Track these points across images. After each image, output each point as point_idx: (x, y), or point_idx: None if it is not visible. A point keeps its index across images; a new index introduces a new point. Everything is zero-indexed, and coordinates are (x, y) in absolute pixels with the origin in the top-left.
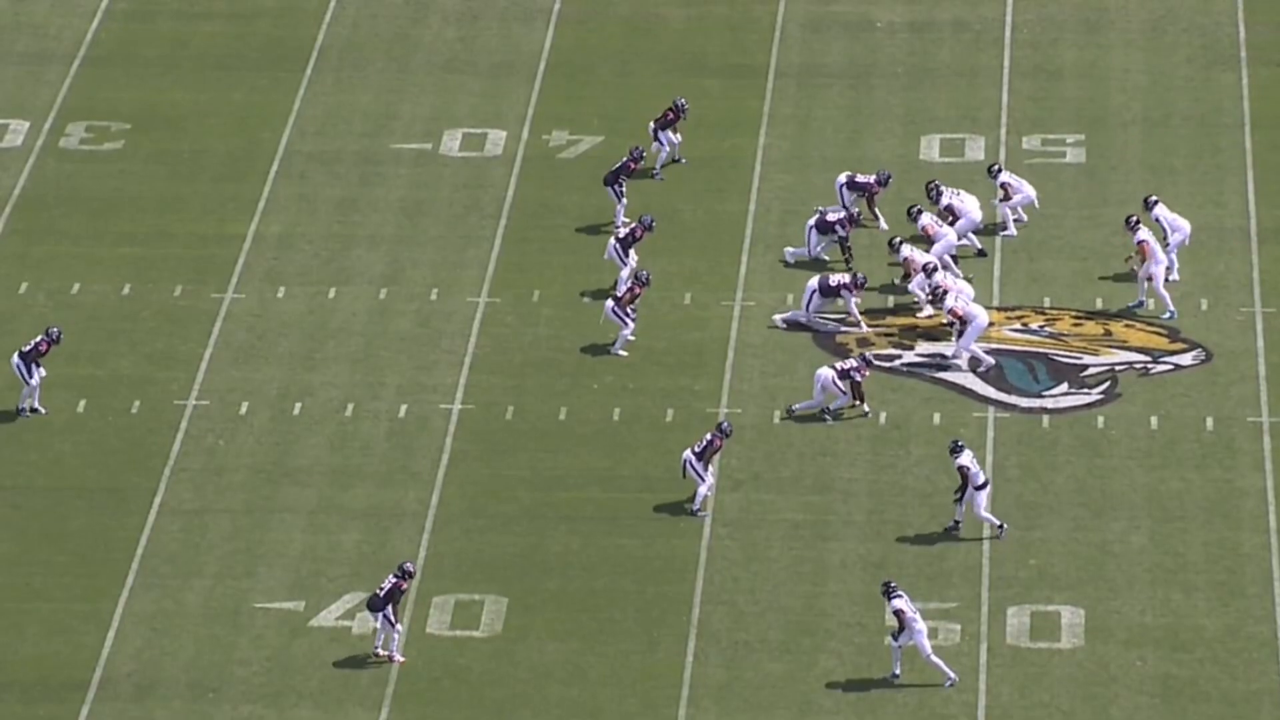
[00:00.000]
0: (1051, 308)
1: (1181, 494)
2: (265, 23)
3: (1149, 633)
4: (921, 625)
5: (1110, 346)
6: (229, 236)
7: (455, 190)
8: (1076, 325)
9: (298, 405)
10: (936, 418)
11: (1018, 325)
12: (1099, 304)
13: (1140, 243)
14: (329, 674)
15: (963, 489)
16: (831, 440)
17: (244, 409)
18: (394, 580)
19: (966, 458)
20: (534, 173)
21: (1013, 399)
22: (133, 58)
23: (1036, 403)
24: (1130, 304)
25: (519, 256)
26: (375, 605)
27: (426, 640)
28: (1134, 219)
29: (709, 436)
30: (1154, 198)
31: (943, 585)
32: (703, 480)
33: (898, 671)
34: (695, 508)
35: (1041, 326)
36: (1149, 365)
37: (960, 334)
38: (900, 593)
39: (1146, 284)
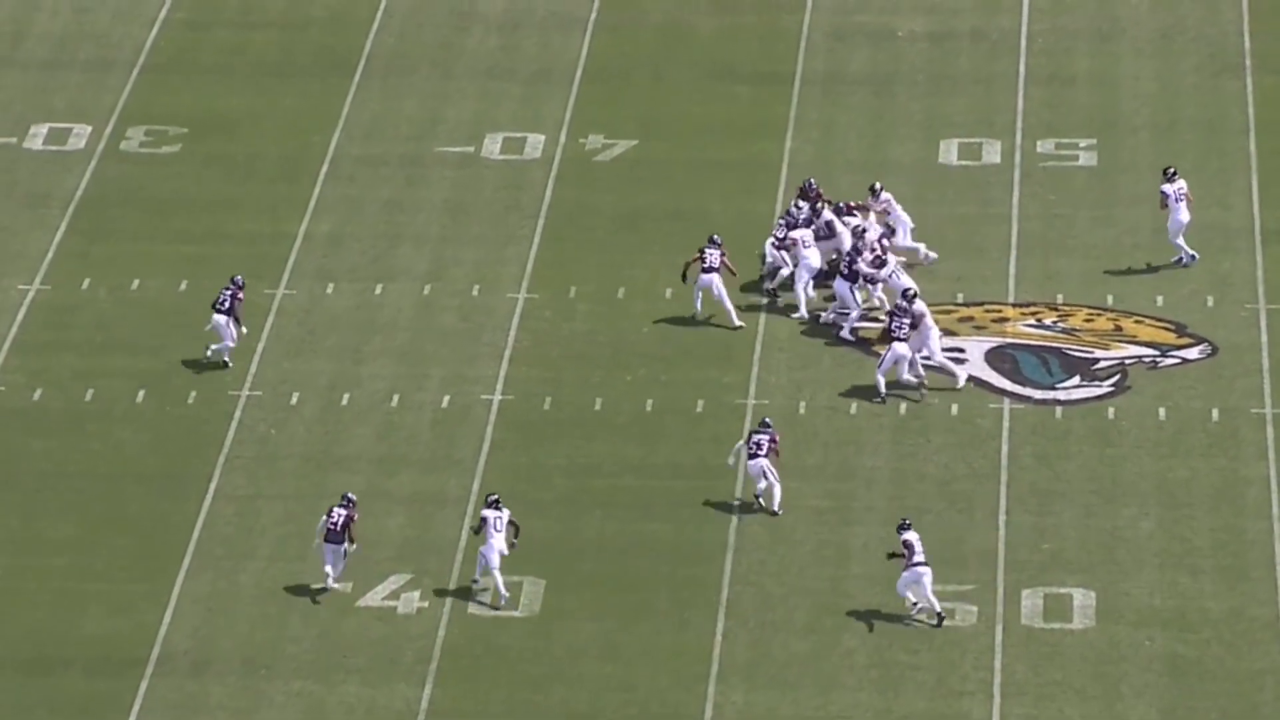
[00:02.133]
0: (1064, 304)
1: (1188, 482)
2: (316, 31)
3: (1157, 614)
4: (926, 570)
5: (1121, 341)
6: (281, 235)
7: (496, 191)
8: (1088, 321)
9: (346, 396)
10: (955, 408)
11: (1032, 321)
12: (1109, 300)
13: (1162, 192)
14: (376, 651)
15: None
16: (854, 430)
17: (295, 399)
18: (344, 512)
19: (913, 535)
20: (571, 175)
21: (1027, 391)
22: (190, 65)
23: (1050, 395)
24: (1173, 259)
25: (556, 254)
26: (336, 539)
27: (468, 620)
28: (1171, 170)
29: (768, 438)
30: (1172, 169)
31: (960, 568)
32: (776, 481)
33: (911, 599)
34: (775, 509)
35: (1055, 322)
36: (1157, 359)
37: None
38: (914, 531)
39: (1181, 239)
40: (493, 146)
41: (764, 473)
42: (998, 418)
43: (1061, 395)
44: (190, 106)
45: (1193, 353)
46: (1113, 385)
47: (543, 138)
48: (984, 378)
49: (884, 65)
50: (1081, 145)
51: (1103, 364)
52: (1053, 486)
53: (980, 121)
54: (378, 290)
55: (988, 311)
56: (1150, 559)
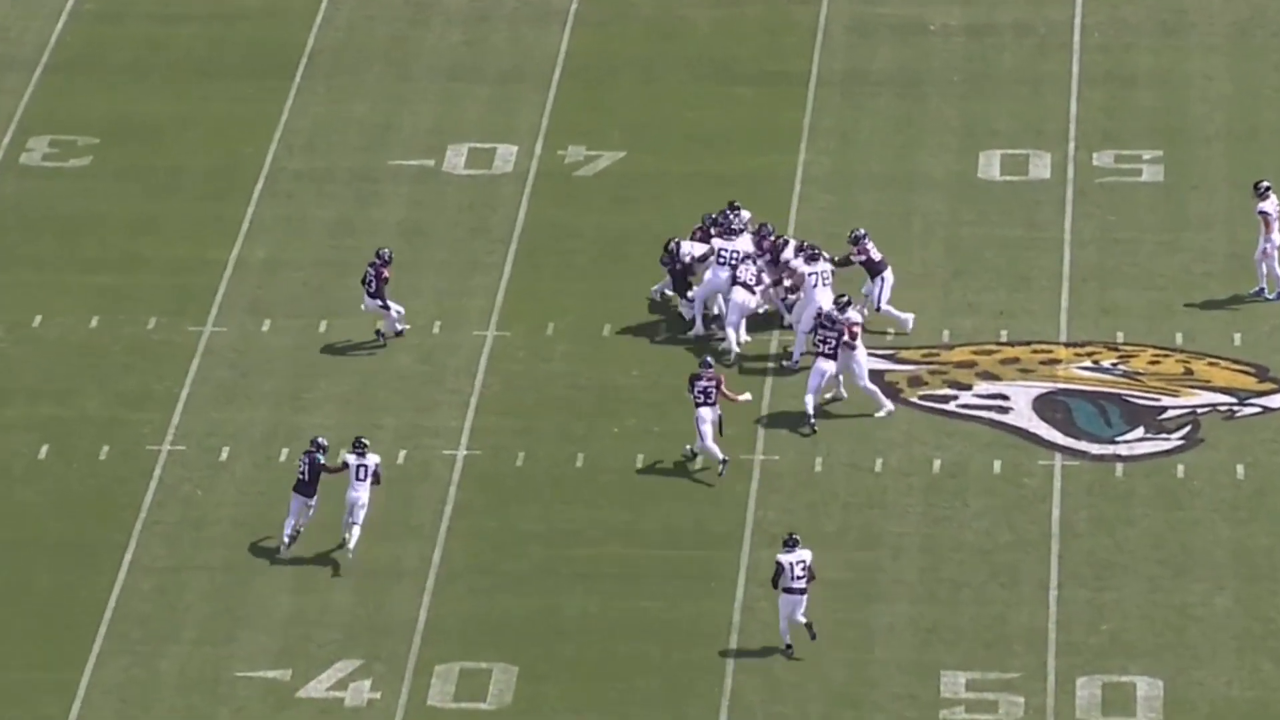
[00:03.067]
0: (1125, 343)
1: (1271, 551)
2: (249, 25)
3: (1235, 707)
4: (800, 598)
5: (1191, 386)
6: (209, 262)
7: (460, 211)
8: (1154, 363)
9: (285, 450)
10: (997, 465)
11: (1088, 363)
12: (1178, 339)
13: (1261, 213)
14: None
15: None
16: (879, 490)
17: (225, 455)
18: (308, 458)
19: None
20: (548, 192)
21: (1082, 445)
22: (101, 64)
23: (1109, 449)
24: (1251, 290)
25: (531, 285)
26: (305, 489)
27: (428, 713)
28: (1264, 185)
29: (714, 383)
30: (1265, 183)
31: (1004, 653)
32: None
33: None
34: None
35: (1115, 364)
36: (1234, 408)
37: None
38: (799, 548)
39: (1264, 266)
40: (456, 159)
41: (717, 425)
42: (1047, 476)
43: (1123, 450)
44: (102, 112)
45: (1276, 400)
46: (1182, 438)
47: (515, 149)
48: (1032, 429)
49: (914, 63)
50: (1145, 157)
51: (1171, 413)
52: (1112, 557)
53: (1026, 130)
54: (322, 327)
55: (1035, 352)
56: (1227, 642)
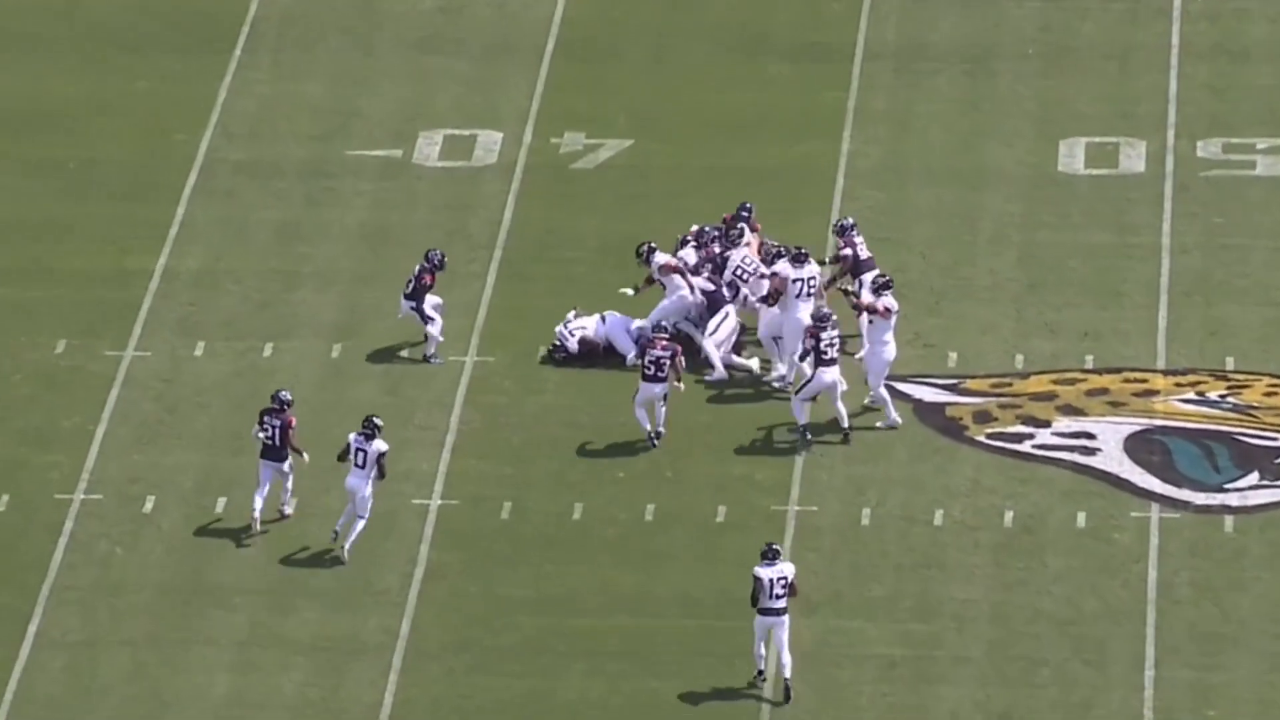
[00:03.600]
0: (1236, 370)
1: None
2: None
3: None
4: (779, 619)
5: None
6: (130, 274)
7: (434, 212)
8: (1270, 394)
9: (222, 501)
10: (1081, 518)
11: (1191, 395)
12: None
13: None
14: None
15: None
16: (939, 548)
17: (149, 506)
18: (279, 420)
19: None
20: (539, 188)
21: (1184, 493)
22: (3, 38)
23: (1216, 498)
24: None
25: (519, 300)
26: (274, 454)
27: None
28: None
29: (670, 353)
30: None
31: None
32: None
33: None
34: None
35: (1223, 396)
36: None
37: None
38: (780, 561)
39: None
40: (429, 149)
41: (664, 399)
42: (1142, 531)
43: (1233, 499)
44: (2, 96)
45: None
46: None
47: (499, 136)
48: (1123, 474)
49: (981, 34)
50: (1260, 147)
51: None
52: (1220, 629)
53: (1116, 114)
54: (266, 351)
55: (1128, 381)
56: None
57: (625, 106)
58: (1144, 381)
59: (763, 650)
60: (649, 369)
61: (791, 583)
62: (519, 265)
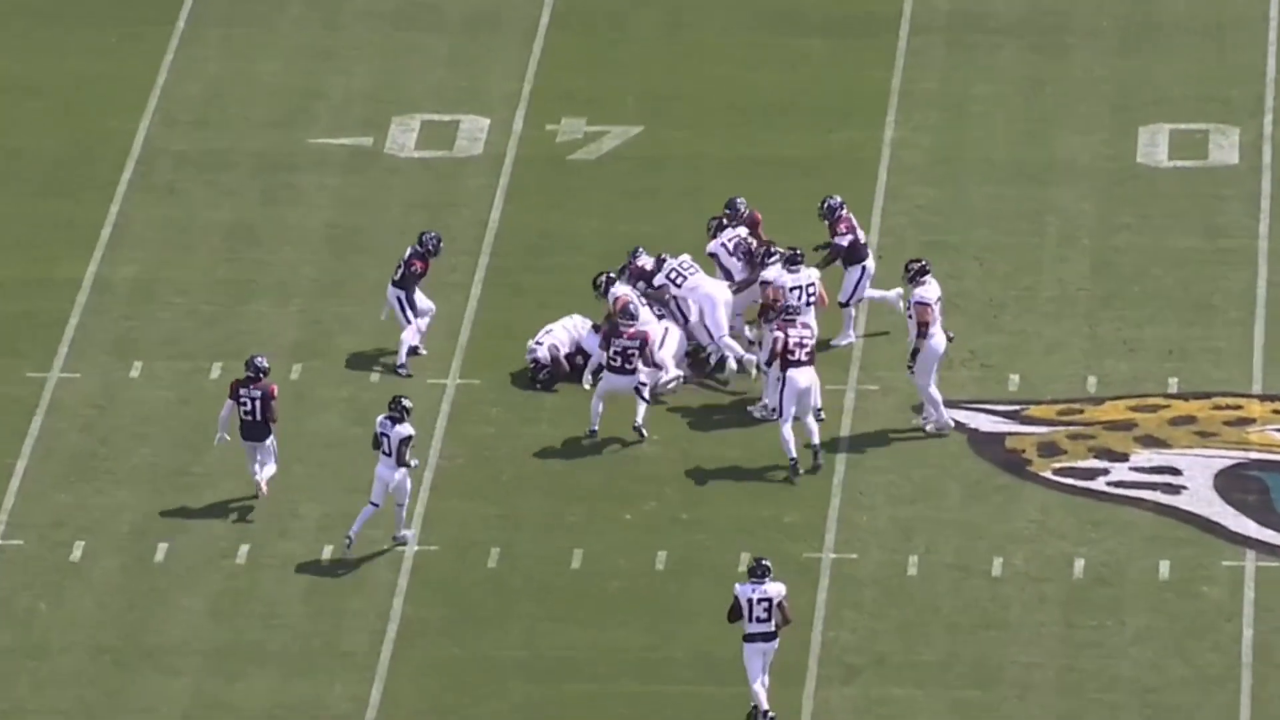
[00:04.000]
0: None
1: None
2: None
3: None
4: (767, 645)
5: None
6: (55, 283)
7: (410, 210)
8: None
9: (163, 547)
10: (1164, 568)
11: None
12: None
13: None
14: None
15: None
16: (999, 603)
17: (78, 553)
18: (257, 392)
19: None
20: (532, 182)
21: None
22: None
23: None
24: None
25: (508, 313)
26: (256, 432)
27: None
28: None
29: (638, 342)
30: None
31: None
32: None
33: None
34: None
35: None
36: None
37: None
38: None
39: None
40: (404, 136)
41: (643, 395)
42: (1235, 582)
43: None
44: None
45: None
46: None
47: (486, 122)
48: (1213, 516)
49: (1049, 4)
50: None
51: None
52: None
53: (1205, 97)
54: (214, 373)
55: (1219, 408)
56: None
57: (633, 88)
58: (1238, 408)
59: (756, 685)
60: (615, 360)
61: (779, 605)
62: (509, 273)
